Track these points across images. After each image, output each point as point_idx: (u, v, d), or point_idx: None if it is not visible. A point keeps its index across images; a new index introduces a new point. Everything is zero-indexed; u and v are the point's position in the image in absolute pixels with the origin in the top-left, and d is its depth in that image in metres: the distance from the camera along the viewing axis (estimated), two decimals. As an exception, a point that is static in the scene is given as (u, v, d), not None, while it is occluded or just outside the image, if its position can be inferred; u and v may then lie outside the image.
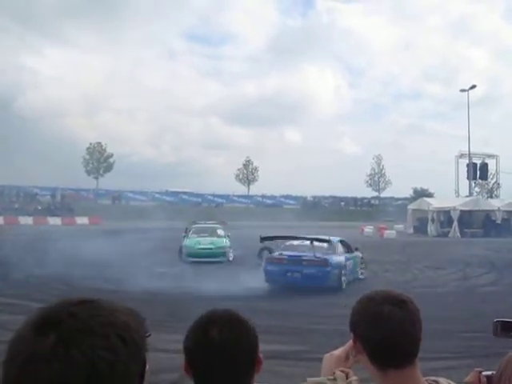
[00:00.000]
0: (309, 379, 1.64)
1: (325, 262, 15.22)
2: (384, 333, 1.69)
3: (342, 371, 1.79)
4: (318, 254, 15.47)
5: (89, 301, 1.01)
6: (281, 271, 15.45)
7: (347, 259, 16.37)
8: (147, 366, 1.07)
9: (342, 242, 17.36)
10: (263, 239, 17.67)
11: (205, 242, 23.41)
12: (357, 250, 18.05)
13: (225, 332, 1.67)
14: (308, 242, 16.32)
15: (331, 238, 16.75)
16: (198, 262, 21.68)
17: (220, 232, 25.20)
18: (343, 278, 15.61)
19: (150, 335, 1.07)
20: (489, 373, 1.93)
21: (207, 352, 1.65)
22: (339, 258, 15.97)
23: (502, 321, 1.91)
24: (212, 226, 26.68)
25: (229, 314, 1.75)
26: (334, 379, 1.73)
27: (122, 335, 0.96)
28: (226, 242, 23.95)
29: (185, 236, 24.52)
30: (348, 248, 17.38)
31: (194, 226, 26.23)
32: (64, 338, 0.91)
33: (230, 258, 23.34)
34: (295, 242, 16.99)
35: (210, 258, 22.19)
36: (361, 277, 17.67)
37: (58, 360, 0.88)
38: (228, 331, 1.68)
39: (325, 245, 16.33)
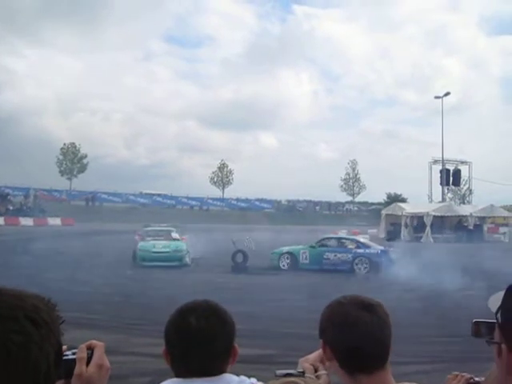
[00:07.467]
0: (277, 371, 1.64)
1: None
2: (352, 337, 1.67)
3: (312, 365, 1.77)
4: None
5: None
6: None
7: None
8: (65, 347, 1.09)
9: None
10: None
11: (159, 246, 22.07)
12: None
13: (202, 319, 1.76)
14: None
15: None
16: (153, 266, 20.43)
17: (174, 235, 24.12)
18: None
19: (63, 321, 1.06)
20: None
21: (184, 338, 1.75)
22: None
23: (482, 321, 1.91)
24: (166, 229, 25.49)
25: (207, 303, 1.85)
26: (303, 372, 1.72)
27: (32, 317, 0.95)
28: (182, 245, 22.77)
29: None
30: None
31: (147, 229, 25.57)
32: None
33: (188, 262, 22.12)
34: None
35: (165, 262, 20.94)
36: None
37: None
38: (205, 319, 1.77)
39: None
